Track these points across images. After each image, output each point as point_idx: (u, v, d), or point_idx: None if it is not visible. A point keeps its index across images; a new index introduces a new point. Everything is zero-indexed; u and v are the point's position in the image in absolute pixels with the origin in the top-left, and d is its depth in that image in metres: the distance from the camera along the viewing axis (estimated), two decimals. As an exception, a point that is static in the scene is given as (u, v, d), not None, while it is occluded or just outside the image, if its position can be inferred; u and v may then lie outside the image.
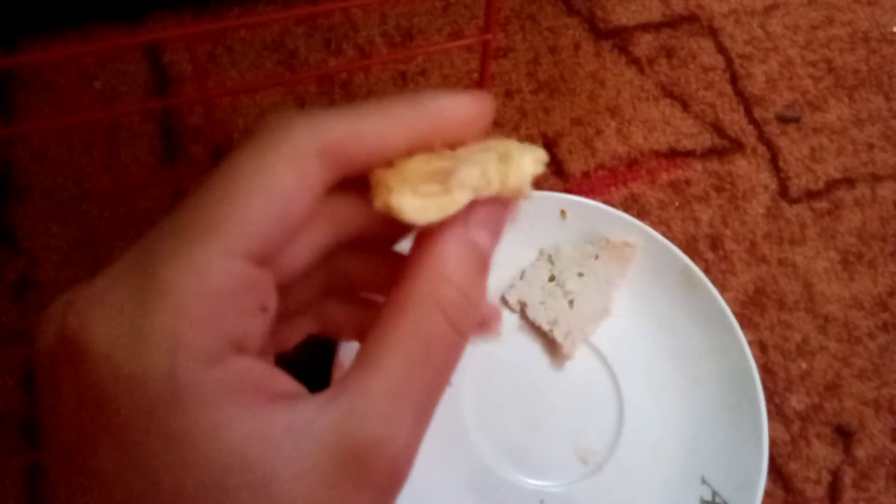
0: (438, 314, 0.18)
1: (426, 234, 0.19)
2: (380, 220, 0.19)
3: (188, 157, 0.38)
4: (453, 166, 0.19)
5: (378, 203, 0.18)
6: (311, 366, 0.33)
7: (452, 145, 0.20)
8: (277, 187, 0.17)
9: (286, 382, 0.17)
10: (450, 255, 0.18)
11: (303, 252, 0.19)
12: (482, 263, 0.19)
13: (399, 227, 0.19)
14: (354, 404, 0.16)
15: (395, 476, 0.17)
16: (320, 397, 0.17)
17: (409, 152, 0.19)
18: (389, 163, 0.19)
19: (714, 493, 0.32)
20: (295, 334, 0.23)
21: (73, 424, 0.16)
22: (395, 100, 0.19)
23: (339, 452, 0.16)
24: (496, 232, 0.20)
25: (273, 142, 0.17)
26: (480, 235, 0.19)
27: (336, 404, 0.16)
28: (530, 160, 0.20)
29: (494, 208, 0.20)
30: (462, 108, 0.19)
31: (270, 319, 0.18)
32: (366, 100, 0.19)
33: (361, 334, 0.25)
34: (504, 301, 0.36)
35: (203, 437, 0.15)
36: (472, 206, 0.19)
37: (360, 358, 0.18)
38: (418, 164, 0.18)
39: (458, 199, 0.19)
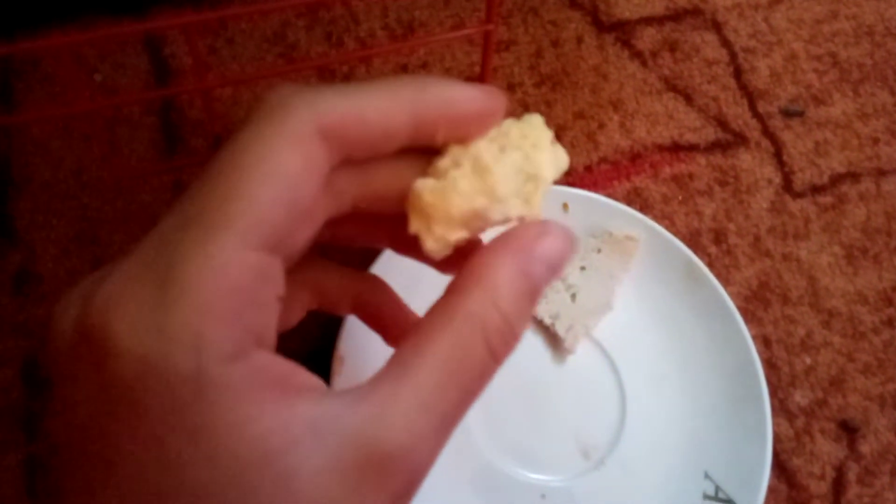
0: (479, 338, 0.18)
1: (486, 248, 0.19)
2: (381, 194, 0.19)
3: (188, 150, 0.38)
4: (486, 206, 0.19)
5: (413, 229, 0.19)
6: (310, 359, 0.33)
7: (458, 139, 0.19)
8: (284, 172, 0.16)
9: (306, 377, 0.17)
10: (505, 281, 0.18)
11: (307, 230, 0.19)
12: (534, 297, 0.19)
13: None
14: (383, 409, 0.16)
15: (412, 485, 0.17)
16: (347, 395, 0.17)
17: (418, 139, 0.19)
18: (422, 169, 0.19)
19: (717, 489, 0.32)
20: (295, 312, 0.23)
21: (93, 419, 0.16)
22: (402, 81, 0.18)
23: (362, 454, 0.16)
24: (557, 270, 0.19)
25: (274, 123, 0.17)
26: (540, 270, 0.19)
27: (364, 405, 0.16)
28: (553, 171, 0.20)
29: (563, 248, 0.19)
30: (472, 100, 0.19)
31: (282, 305, 0.18)
32: (373, 79, 0.19)
33: (357, 308, 0.26)
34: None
35: (227, 433, 0.15)
36: (542, 235, 0.19)
37: (395, 362, 0.18)
38: (457, 198, 0.18)
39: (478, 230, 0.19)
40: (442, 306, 0.18)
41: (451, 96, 0.19)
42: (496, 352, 0.18)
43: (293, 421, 0.16)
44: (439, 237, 0.19)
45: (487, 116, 0.19)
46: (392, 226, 0.21)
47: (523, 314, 0.19)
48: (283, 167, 0.16)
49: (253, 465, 0.15)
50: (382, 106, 0.18)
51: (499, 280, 0.18)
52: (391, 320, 0.26)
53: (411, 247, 0.20)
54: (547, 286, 0.19)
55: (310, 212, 0.18)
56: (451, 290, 0.19)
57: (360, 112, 0.18)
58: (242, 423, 0.15)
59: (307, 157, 0.17)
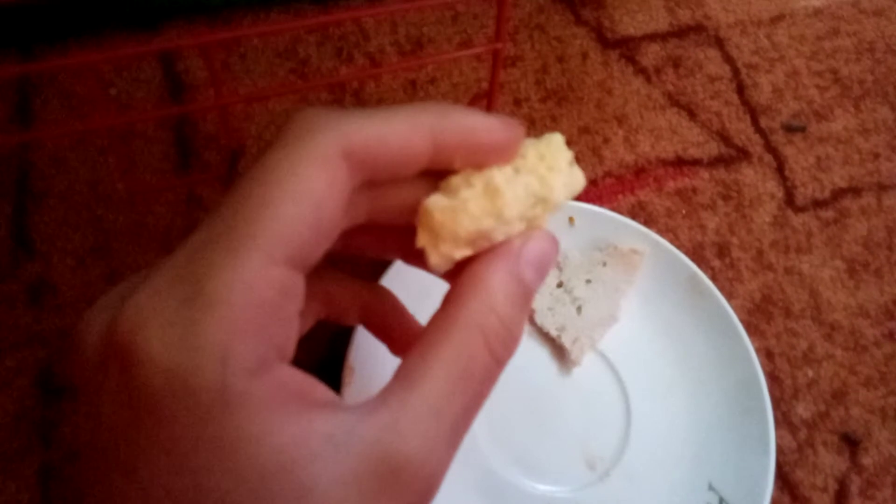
0: (481, 342, 0.19)
1: (477, 260, 0.20)
2: (395, 208, 0.20)
3: (202, 164, 0.39)
4: (493, 227, 0.19)
5: (420, 243, 0.20)
6: (320, 369, 0.34)
7: (475, 166, 0.20)
8: (310, 192, 0.17)
9: (324, 391, 0.18)
10: (499, 287, 0.19)
11: (325, 244, 0.19)
12: (527, 299, 0.20)
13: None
14: (394, 419, 0.17)
15: (428, 492, 0.17)
16: (360, 408, 0.17)
17: (437, 164, 0.19)
18: (435, 183, 0.20)
19: (721, 500, 0.32)
20: (305, 321, 0.24)
21: (117, 427, 0.16)
22: (424, 107, 0.19)
23: (377, 464, 0.16)
24: (544, 271, 0.21)
25: (301, 145, 0.17)
26: (529, 273, 0.20)
27: (376, 417, 0.17)
28: (565, 194, 0.21)
29: (547, 248, 0.20)
30: (492, 132, 0.20)
31: (300, 319, 0.18)
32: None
33: (364, 317, 0.26)
34: (512, 307, 0.36)
35: (249, 445, 0.16)
36: (527, 240, 0.20)
37: (402, 373, 0.18)
38: (466, 219, 0.19)
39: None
40: (442, 316, 0.19)
41: (472, 126, 0.19)
42: (498, 355, 0.19)
43: (312, 434, 0.16)
44: (444, 254, 0.20)
45: (505, 148, 0.20)
46: (404, 237, 0.21)
47: (520, 317, 0.20)
48: (309, 187, 0.17)
49: (274, 475, 0.16)
50: (405, 132, 0.18)
51: (493, 286, 0.19)
52: (397, 330, 0.26)
53: (422, 258, 0.21)
54: (538, 287, 0.20)
55: (332, 229, 0.18)
56: (449, 301, 0.19)
57: (383, 137, 0.18)
58: (264, 434, 0.16)
59: (332, 177, 0.17)
